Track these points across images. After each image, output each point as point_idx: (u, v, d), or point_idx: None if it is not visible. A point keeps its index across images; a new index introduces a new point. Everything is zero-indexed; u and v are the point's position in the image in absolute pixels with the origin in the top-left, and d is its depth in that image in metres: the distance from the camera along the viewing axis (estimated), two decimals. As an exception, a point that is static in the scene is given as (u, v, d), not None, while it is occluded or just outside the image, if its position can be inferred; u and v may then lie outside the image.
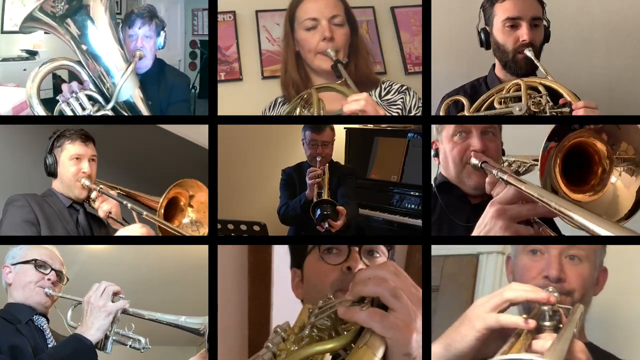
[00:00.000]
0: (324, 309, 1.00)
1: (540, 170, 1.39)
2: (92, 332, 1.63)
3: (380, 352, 0.89)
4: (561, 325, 1.23)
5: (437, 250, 1.99)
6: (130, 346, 1.79)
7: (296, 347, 0.96)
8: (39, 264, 1.84)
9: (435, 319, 2.25)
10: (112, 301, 1.68)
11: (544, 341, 1.17)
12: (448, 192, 1.83)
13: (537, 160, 1.51)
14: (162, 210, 1.97)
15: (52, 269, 1.85)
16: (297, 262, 1.43)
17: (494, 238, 1.58)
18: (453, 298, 2.32)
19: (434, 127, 1.90)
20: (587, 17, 2.47)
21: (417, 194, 3.30)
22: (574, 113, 1.76)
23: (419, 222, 3.15)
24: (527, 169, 1.87)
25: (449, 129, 1.80)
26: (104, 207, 2.05)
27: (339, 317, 0.95)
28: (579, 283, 1.54)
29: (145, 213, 1.93)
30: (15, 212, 1.96)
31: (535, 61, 1.95)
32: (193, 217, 2.06)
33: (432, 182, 1.89)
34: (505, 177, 1.47)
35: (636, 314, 1.94)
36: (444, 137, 1.82)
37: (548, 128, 1.41)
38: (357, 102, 1.79)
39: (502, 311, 1.25)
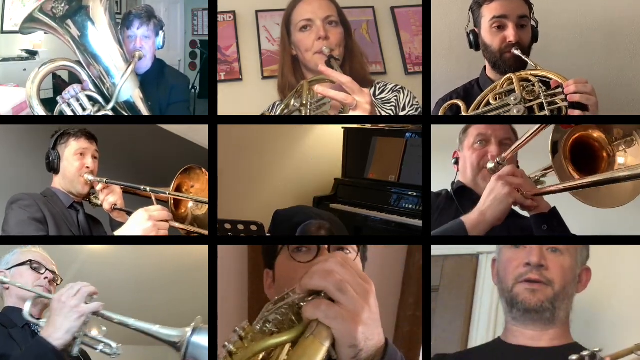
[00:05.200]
0: (277, 303, 0.99)
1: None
2: (61, 334, 1.48)
3: (327, 342, 0.88)
4: None
5: (437, 250, 1.99)
6: (100, 351, 1.65)
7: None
8: (34, 265, 1.81)
9: (435, 318, 2.25)
10: (86, 303, 1.54)
11: None
12: (464, 196, 1.93)
13: (547, 170, 1.79)
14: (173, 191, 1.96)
15: (47, 270, 1.83)
16: (268, 263, 1.43)
17: (494, 238, 1.62)
18: (453, 298, 2.32)
19: (457, 138, 2.02)
20: (587, 17, 2.47)
21: (415, 193, 3.29)
22: (565, 92, 1.81)
23: (416, 222, 3.15)
24: (538, 180, 1.89)
25: (470, 138, 1.96)
26: (110, 199, 2.05)
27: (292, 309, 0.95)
28: (559, 273, 1.59)
29: (170, 192, 1.91)
30: (22, 211, 1.95)
31: (524, 57, 1.95)
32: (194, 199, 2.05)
33: (450, 185, 2.01)
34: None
35: (620, 312, 1.95)
36: (465, 146, 1.98)
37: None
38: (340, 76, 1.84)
39: None
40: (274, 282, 1.42)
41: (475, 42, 2.09)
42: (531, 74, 1.89)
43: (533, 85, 1.86)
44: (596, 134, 1.70)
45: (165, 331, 1.55)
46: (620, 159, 1.67)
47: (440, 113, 2.04)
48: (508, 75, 1.92)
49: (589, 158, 1.69)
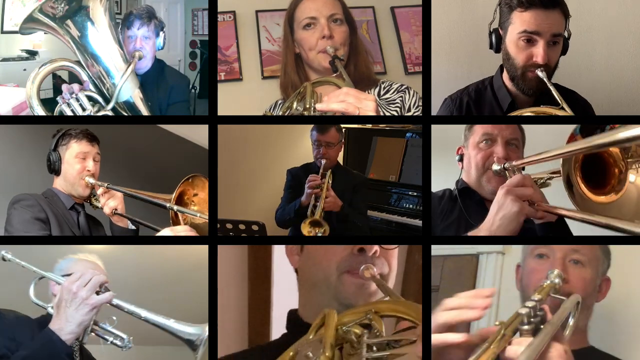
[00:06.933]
0: (381, 357, 1.01)
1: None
2: (72, 328, 1.43)
3: None
4: (542, 327, 1.22)
5: (437, 250, 1.99)
6: (111, 343, 1.60)
7: None
8: None
9: (435, 318, 2.25)
10: (97, 293, 1.48)
11: (518, 347, 1.17)
12: (468, 196, 1.87)
13: (554, 173, 1.69)
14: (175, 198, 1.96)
15: None
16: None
17: (494, 238, 1.61)
18: (453, 298, 2.32)
19: (462, 133, 1.92)
20: (587, 17, 2.46)
21: (415, 193, 3.30)
22: None
23: (416, 222, 3.15)
24: (544, 183, 1.84)
25: (475, 136, 1.85)
26: (110, 203, 2.05)
27: None
28: (581, 285, 1.60)
29: (175, 207, 1.90)
30: (24, 211, 1.95)
31: (548, 84, 1.80)
32: (196, 209, 2.04)
33: (455, 184, 1.93)
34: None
35: (637, 313, 1.95)
36: (470, 144, 1.87)
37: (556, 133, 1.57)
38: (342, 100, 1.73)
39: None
40: (302, 251, 1.41)
41: (497, 45, 1.95)
42: (555, 115, 1.76)
43: None
44: (611, 147, 1.57)
45: (181, 327, 1.46)
46: (631, 177, 1.57)
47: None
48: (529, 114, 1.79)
49: (600, 170, 1.59)
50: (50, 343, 1.40)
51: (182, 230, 1.82)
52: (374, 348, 1.02)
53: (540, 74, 1.81)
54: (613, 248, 1.71)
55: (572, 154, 1.52)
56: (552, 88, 1.80)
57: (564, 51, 1.91)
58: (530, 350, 1.11)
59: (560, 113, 1.76)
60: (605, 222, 1.36)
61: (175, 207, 1.89)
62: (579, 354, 1.50)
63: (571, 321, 1.34)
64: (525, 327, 1.20)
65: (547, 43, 1.83)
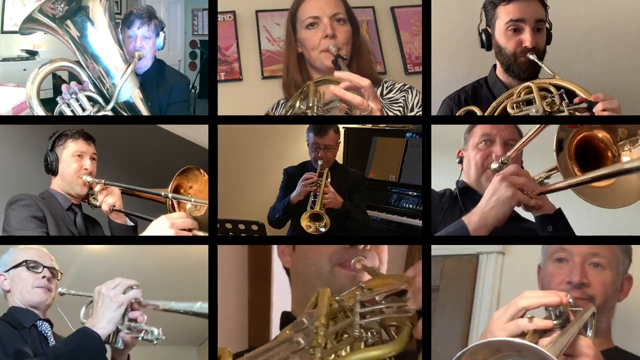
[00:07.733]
0: (374, 310, 1.01)
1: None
2: (103, 324, 1.55)
3: None
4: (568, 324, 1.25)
5: (437, 250, 1.99)
6: (142, 338, 1.65)
7: (333, 345, 0.97)
8: (30, 265, 1.82)
9: (435, 318, 2.25)
10: (124, 293, 1.60)
11: (551, 339, 1.20)
12: (468, 195, 1.91)
13: (551, 170, 1.74)
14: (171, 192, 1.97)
15: (44, 267, 1.84)
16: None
17: (494, 238, 1.62)
18: (453, 298, 2.32)
19: (461, 133, 1.99)
20: (587, 17, 2.47)
21: (415, 193, 3.30)
22: (593, 110, 1.76)
23: (416, 221, 3.15)
24: (542, 182, 1.87)
25: (475, 137, 1.93)
26: (108, 200, 2.05)
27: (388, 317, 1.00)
28: (601, 289, 1.60)
29: (170, 195, 1.92)
30: (22, 209, 1.96)
31: (540, 63, 1.92)
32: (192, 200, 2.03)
33: (455, 184, 1.98)
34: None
35: None
36: (469, 146, 1.95)
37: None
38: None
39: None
40: (294, 250, 1.45)
41: (487, 42, 2.06)
42: (551, 83, 1.85)
43: (553, 97, 1.81)
44: (601, 134, 1.69)
45: (205, 306, 1.55)
46: (625, 159, 1.66)
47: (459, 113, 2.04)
48: (527, 83, 1.89)
49: (594, 158, 1.67)
50: (90, 339, 1.52)
51: (177, 216, 1.74)
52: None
53: (532, 56, 1.93)
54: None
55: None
56: (543, 65, 1.92)
57: (548, 41, 2.02)
58: (564, 337, 1.17)
59: (555, 82, 1.85)
60: (598, 174, 1.44)
61: (171, 195, 1.90)
62: (604, 355, 1.49)
63: (590, 332, 1.35)
64: (555, 322, 1.24)
65: (532, 29, 1.95)
